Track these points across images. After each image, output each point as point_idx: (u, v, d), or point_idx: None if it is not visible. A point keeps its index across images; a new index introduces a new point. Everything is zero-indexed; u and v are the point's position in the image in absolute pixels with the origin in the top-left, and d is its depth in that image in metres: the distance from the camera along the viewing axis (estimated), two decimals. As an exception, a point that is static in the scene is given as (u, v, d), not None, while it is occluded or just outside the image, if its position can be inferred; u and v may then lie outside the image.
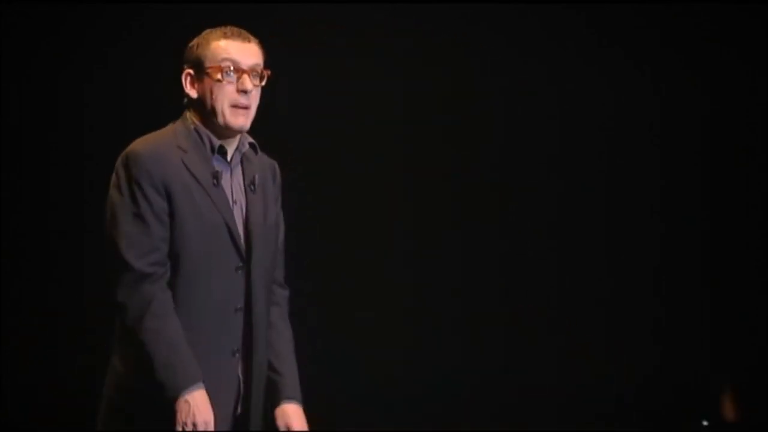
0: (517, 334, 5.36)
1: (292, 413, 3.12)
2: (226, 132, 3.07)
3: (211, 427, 2.89)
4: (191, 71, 3.08)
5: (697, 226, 5.45)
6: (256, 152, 3.15)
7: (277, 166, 3.25)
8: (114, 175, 3.00)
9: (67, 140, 4.99)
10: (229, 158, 3.09)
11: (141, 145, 3.01)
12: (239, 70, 3.04)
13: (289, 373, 3.17)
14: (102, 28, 4.96)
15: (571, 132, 5.45)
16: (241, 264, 3.03)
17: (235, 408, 3.04)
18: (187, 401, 2.87)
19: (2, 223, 4.92)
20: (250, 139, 3.14)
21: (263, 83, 3.10)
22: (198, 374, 2.90)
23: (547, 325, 5.40)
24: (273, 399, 3.15)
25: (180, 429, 2.87)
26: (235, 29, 3.09)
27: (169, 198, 2.96)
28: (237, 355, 3.02)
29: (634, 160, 5.47)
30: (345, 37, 5.21)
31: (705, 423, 5.28)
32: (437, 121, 5.40)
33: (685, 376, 5.37)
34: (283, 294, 3.25)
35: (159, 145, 3.02)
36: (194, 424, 2.87)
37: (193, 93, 3.08)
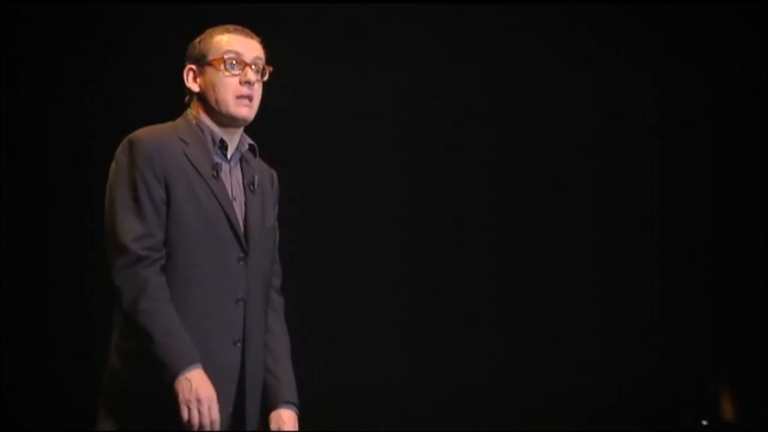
0: (517, 334, 5.37)
1: (286, 418, 3.12)
2: (229, 122, 3.08)
3: (215, 403, 2.89)
4: (193, 66, 3.10)
5: (697, 226, 5.45)
6: (255, 155, 3.17)
7: (275, 174, 3.27)
8: (114, 160, 3.01)
9: (68, 140, 4.98)
10: (229, 155, 3.10)
11: (143, 132, 3.03)
12: (242, 63, 3.06)
13: (286, 377, 3.17)
14: (101, 29, 4.95)
15: (571, 132, 5.46)
16: (242, 255, 3.04)
17: (236, 399, 3.03)
18: (187, 379, 2.86)
19: (2, 223, 4.92)
20: (250, 140, 3.15)
21: (265, 78, 3.12)
22: (196, 355, 2.90)
23: (546, 325, 5.40)
24: (269, 402, 3.14)
25: (184, 407, 2.86)
26: (238, 26, 3.12)
27: (167, 186, 2.97)
28: (238, 344, 3.02)
29: (633, 160, 5.48)
30: (344, 37, 5.22)
31: (704, 423, 5.28)
32: (436, 121, 5.40)
33: (685, 376, 5.37)
34: (279, 300, 3.26)
35: (161, 134, 3.04)
36: (198, 401, 2.86)
37: (195, 87, 3.10)
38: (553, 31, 5.39)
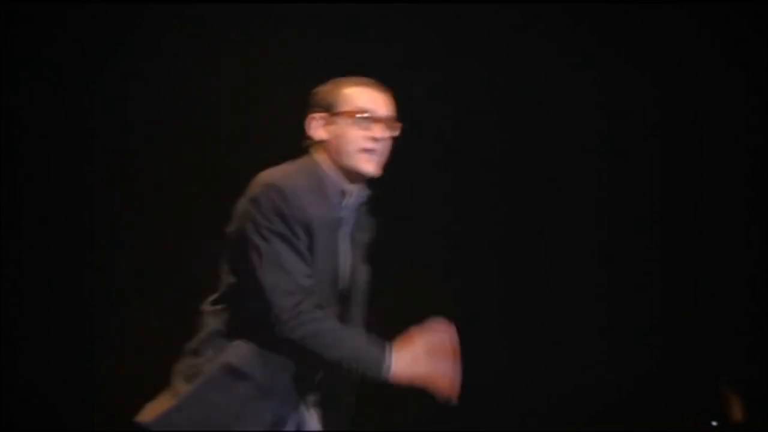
0: (517, 334, 5.37)
1: None
2: (353, 176, 3.04)
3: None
4: (319, 115, 3.04)
5: (697, 226, 5.45)
6: (368, 205, 3.14)
7: (374, 223, 3.23)
8: (253, 202, 2.95)
9: (68, 140, 4.99)
10: (348, 205, 3.06)
11: (283, 180, 2.97)
12: (373, 118, 3.04)
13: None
14: (101, 29, 4.95)
15: (571, 132, 5.46)
16: (339, 311, 3.04)
17: None
18: (396, 363, 2.99)
19: (2, 223, 4.92)
20: (369, 191, 3.12)
21: (395, 134, 3.09)
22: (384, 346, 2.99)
23: (546, 325, 5.41)
24: None
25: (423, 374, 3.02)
26: (369, 80, 3.09)
27: (309, 237, 2.95)
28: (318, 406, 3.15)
29: (633, 160, 5.48)
30: (344, 37, 5.22)
31: (714, 423, 5.28)
32: (437, 121, 5.40)
33: (685, 376, 5.37)
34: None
35: (298, 182, 2.98)
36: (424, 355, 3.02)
37: (320, 135, 3.04)
38: (553, 31, 5.39)
